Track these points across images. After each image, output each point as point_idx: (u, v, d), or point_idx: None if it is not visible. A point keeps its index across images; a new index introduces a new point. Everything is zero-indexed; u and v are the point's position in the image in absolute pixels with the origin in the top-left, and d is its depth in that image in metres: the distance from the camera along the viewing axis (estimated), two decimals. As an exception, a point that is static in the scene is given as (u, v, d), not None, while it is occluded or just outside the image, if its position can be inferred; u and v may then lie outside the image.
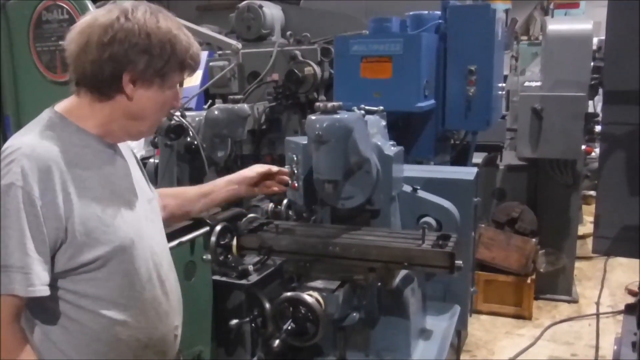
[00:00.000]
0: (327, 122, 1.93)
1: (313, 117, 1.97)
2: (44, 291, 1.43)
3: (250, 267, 2.97)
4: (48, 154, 1.44)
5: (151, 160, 3.94)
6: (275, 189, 2.27)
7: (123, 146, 1.72)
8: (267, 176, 2.25)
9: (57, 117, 1.54)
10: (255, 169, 2.23)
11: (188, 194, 2.16)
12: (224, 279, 2.99)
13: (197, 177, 3.56)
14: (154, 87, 1.54)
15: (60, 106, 1.58)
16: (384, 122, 2.42)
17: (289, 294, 1.85)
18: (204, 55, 5.67)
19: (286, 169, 2.28)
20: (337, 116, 1.95)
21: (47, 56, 2.47)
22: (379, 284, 2.01)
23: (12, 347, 1.45)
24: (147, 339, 1.63)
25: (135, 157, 1.81)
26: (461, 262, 1.92)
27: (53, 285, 1.47)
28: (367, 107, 2.31)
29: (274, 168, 2.26)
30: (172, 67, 1.55)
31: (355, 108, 2.19)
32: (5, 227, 1.39)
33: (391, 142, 2.32)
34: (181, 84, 1.67)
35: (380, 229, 2.20)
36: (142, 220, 1.65)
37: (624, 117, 3.34)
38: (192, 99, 3.73)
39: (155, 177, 3.76)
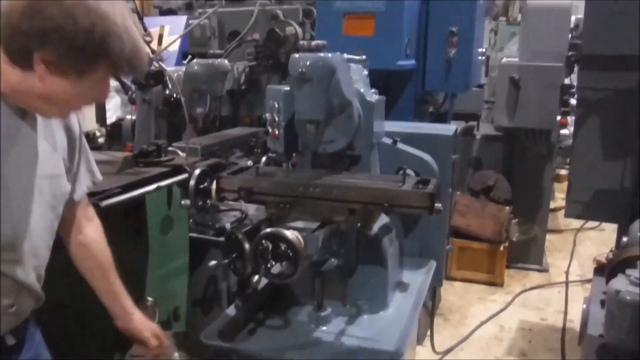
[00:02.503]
0: (311, 60, 1.92)
1: (297, 55, 1.96)
2: None
3: (227, 225, 2.97)
4: None
5: (128, 117, 3.90)
6: None
7: None
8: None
9: None
10: (144, 333, 1.92)
11: (108, 270, 1.87)
12: (200, 236, 2.99)
13: (175, 134, 3.53)
14: (70, 79, 1.34)
15: None
16: (366, 72, 2.42)
17: (268, 230, 1.85)
18: (182, 19, 5.61)
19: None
20: (321, 54, 1.94)
21: None
22: (359, 225, 2.02)
23: None
24: None
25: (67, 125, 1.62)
26: (440, 205, 1.94)
27: None
28: (349, 56, 2.30)
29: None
30: (97, 66, 1.34)
31: (338, 53, 2.18)
32: None
33: (373, 90, 2.32)
34: (117, 79, 1.51)
35: (360, 172, 2.21)
36: (19, 197, 1.48)
37: (600, 82, 3.39)
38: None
39: (133, 135, 3.72)
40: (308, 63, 1.92)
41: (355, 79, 2.22)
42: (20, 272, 1.53)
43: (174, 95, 3.14)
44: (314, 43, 1.93)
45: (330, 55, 1.97)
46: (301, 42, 1.98)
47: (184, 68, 3.50)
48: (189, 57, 3.65)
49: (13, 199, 1.45)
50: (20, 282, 1.54)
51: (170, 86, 3.13)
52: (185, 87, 3.36)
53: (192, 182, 2.46)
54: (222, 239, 2.88)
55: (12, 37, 1.28)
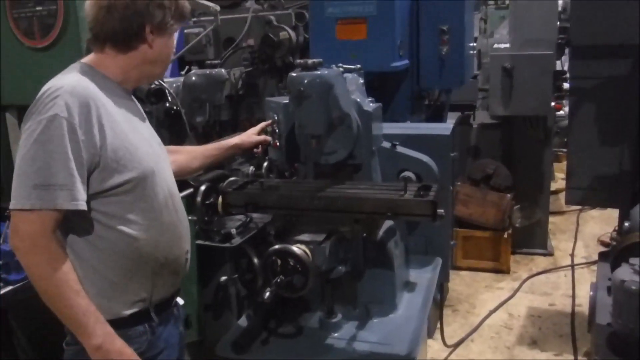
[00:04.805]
0: (309, 78, 1.97)
1: (294, 74, 2.00)
2: (84, 205, 1.65)
3: (233, 231, 3.01)
4: (86, 91, 1.67)
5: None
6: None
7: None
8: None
9: (87, 67, 1.78)
10: (253, 138, 2.48)
11: (195, 152, 2.42)
12: (207, 243, 3.03)
13: (177, 143, 3.57)
14: (166, 35, 1.82)
15: (87, 60, 1.82)
16: (361, 80, 2.46)
17: (277, 246, 1.90)
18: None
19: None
20: (318, 72, 1.99)
21: (24, 23, 2.45)
22: (364, 235, 2.07)
23: (57, 254, 1.63)
24: (164, 259, 1.83)
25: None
26: (442, 210, 1.98)
27: (87, 206, 1.69)
28: (345, 66, 2.35)
29: (269, 138, 2.51)
30: (175, 17, 1.83)
31: (333, 66, 2.23)
32: (51, 151, 1.60)
33: (370, 99, 2.37)
34: None
35: (363, 182, 2.25)
36: (158, 155, 1.89)
37: (591, 71, 3.44)
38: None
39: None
40: (306, 81, 1.96)
41: (352, 89, 2.26)
42: (181, 217, 1.93)
43: (174, 107, 3.18)
44: (310, 61, 1.97)
45: (326, 72, 2.02)
46: (298, 60, 2.02)
47: (182, 79, 3.53)
48: (187, 67, 3.68)
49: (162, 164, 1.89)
50: (184, 228, 1.94)
51: (170, 99, 3.17)
52: (185, 97, 3.39)
53: (198, 199, 2.51)
54: (228, 244, 2.96)
55: (129, 23, 1.73)
